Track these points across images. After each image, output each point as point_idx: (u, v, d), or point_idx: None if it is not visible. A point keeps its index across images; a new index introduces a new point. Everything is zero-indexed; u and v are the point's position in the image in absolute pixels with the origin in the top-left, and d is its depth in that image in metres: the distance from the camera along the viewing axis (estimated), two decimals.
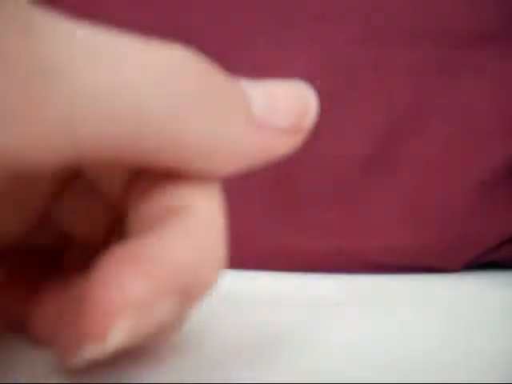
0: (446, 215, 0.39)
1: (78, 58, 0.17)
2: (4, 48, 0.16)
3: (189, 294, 0.18)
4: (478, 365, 0.21)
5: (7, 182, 0.19)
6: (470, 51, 0.39)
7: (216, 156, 0.19)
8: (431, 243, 0.39)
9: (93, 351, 0.16)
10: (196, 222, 0.19)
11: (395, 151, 0.39)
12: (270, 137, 0.20)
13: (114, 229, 0.23)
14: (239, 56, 0.38)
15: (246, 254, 0.37)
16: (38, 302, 0.21)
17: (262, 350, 0.22)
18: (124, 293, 0.16)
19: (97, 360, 0.19)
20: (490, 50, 0.40)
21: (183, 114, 0.18)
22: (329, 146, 0.38)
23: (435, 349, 0.23)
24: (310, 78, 0.39)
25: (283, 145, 0.21)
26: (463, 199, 0.40)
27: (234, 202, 0.30)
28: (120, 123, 0.17)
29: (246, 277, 0.35)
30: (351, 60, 0.39)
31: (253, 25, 0.38)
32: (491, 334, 0.25)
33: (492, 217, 0.40)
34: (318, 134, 0.39)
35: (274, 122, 0.20)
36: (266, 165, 0.23)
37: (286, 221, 0.37)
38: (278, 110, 0.21)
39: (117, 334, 0.16)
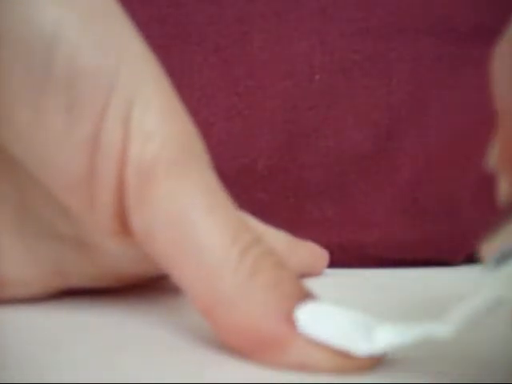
0: (446, 208, 0.39)
1: None
2: None
3: None
4: (478, 355, 0.21)
5: None
6: (469, 45, 0.39)
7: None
8: (431, 236, 0.39)
9: None
10: None
11: (395, 144, 0.39)
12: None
13: None
14: (238, 53, 0.38)
15: None
16: None
17: None
18: None
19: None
20: (490, 43, 0.40)
21: None
22: (328, 141, 0.39)
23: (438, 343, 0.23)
24: (309, 74, 0.39)
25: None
26: (464, 191, 0.40)
27: (232, 197, 0.30)
28: None
29: None
30: (350, 55, 0.39)
31: (251, 21, 0.38)
32: (491, 326, 0.25)
33: (492, 209, 0.40)
34: (316, 129, 0.39)
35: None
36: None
37: (285, 216, 0.37)
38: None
39: None
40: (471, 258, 0.41)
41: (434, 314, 0.27)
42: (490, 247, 0.17)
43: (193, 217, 0.21)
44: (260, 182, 0.38)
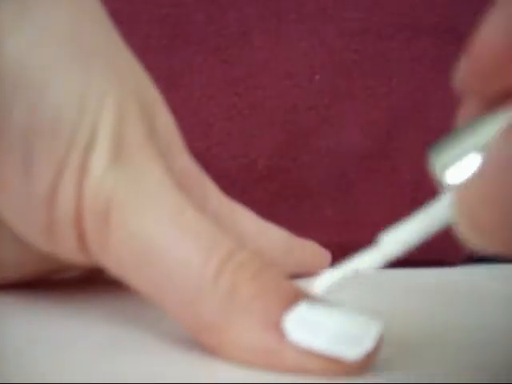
0: None
1: None
2: None
3: None
4: (478, 354, 0.21)
5: None
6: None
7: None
8: (432, 237, 0.39)
9: None
10: None
11: (395, 144, 0.39)
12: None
13: None
14: (238, 53, 0.38)
15: None
16: None
17: None
18: None
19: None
20: None
21: None
22: (328, 141, 0.39)
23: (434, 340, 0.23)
24: (309, 74, 0.39)
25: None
26: None
27: (232, 197, 0.30)
28: None
29: None
30: (350, 55, 0.39)
31: (251, 21, 0.38)
32: (488, 326, 0.25)
33: None
34: (316, 129, 0.39)
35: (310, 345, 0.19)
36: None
37: (285, 216, 0.37)
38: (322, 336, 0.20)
39: None
40: (471, 258, 0.41)
41: (434, 314, 0.27)
42: (439, 159, 0.18)
43: (159, 249, 0.21)
44: (260, 181, 0.38)
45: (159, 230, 0.21)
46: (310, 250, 0.34)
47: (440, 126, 0.39)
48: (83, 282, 0.29)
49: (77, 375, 0.19)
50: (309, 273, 0.34)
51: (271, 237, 0.31)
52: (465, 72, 0.17)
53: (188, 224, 0.21)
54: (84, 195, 0.21)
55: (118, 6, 0.38)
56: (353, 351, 0.19)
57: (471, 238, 0.16)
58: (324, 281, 0.20)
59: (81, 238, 0.22)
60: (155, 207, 0.21)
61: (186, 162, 0.27)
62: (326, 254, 0.35)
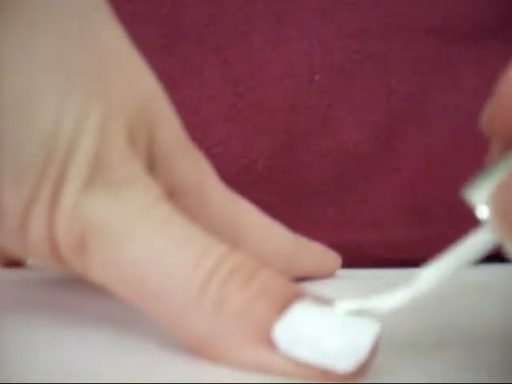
0: (446, 208, 0.39)
1: None
2: None
3: None
4: (478, 354, 0.21)
5: None
6: (469, 46, 0.39)
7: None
8: (431, 236, 0.39)
9: None
10: None
11: (395, 145, 0.39)
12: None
13: None
14: (238, 53, 0.38)
15: None
16: None
17: None
18: None
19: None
20: (490, 44, 0.40)
21: None
22: (328, 141, 0.39)
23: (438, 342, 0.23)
24: (309, 74, 0.39)
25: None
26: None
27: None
28: None
29: None
30: (350, 55, 0.39)
31: (251, 21, 0.38)
32: (491, 326, 0.25)
33: None
34: (316, 129, 0.39)
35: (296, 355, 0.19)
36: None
37: (285, 216, 0.37)
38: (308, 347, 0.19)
39: None
40: None
41: (436, 314, 0.27)
42: (478, 193, 0.18)
43: (143, 267, 0.20)
44: (260, 182, 0.38)
45: (141, 249, 0.20)
46: (318, 252, 0.34)
47: (440, 127, 0.39)
48: (83, 282, 0.29)
49: (77, 375, 0.19)
50: (317, 275, 0.34)
51: (278, 239, 0.31)
52: (491, 116, 0.18)
53: (171, 238, 0.21)
54: (57, 226, 0.21)
55: (117, 6, 0.38)
56: (346, 362, 0.19)
57: None
58: (339, 309, 0.19)
59: (59, 260, 0.22)
60: (135, 226, 0.21)
61: (188, 165, 0.26)
62: (335, 257, 0.35)
